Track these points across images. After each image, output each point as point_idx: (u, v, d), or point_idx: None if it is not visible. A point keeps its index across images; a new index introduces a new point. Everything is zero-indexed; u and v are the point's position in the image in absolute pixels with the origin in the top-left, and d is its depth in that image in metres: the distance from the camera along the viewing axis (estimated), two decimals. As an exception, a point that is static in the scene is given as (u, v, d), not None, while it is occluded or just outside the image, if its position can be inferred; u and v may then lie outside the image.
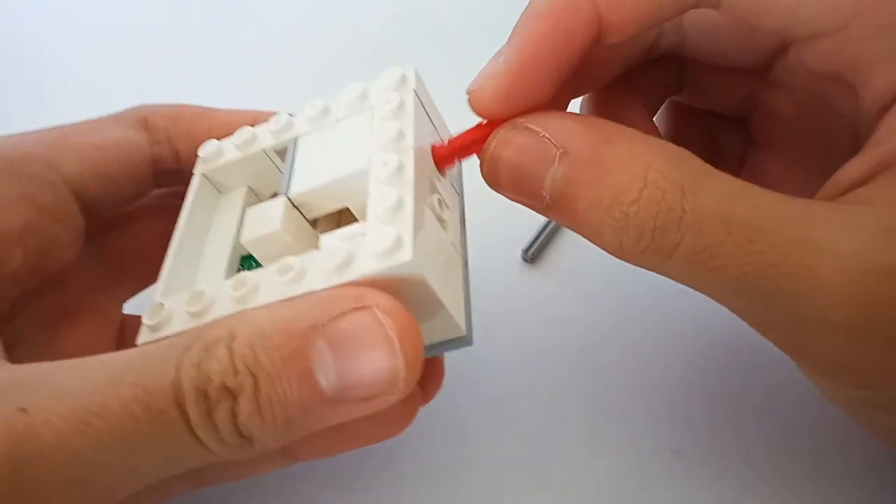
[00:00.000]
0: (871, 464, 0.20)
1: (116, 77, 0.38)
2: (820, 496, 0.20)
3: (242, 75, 0.36)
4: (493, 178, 0.16)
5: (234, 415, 0.13)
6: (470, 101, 0.16)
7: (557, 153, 0.15)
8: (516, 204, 0.16)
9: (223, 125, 0.21)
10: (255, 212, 0.17)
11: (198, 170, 0.20)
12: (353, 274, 0.14)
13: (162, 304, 0.16)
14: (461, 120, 0.17)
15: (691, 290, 0.22)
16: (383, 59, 0.34)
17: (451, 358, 0.23)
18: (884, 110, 0.16)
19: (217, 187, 0.20)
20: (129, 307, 0.22)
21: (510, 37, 0.16)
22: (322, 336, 0.13)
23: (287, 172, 0.18)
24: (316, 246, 0.17)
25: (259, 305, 0.15)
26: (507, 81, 0.15)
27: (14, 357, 0.16)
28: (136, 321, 0.21)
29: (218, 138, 0.20)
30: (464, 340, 0.16)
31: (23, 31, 0.43)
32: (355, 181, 0.17)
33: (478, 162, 0.17)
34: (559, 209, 0.15)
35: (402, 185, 0.15)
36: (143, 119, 0.21)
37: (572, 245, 0.26)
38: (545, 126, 0.15)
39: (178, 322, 0.15)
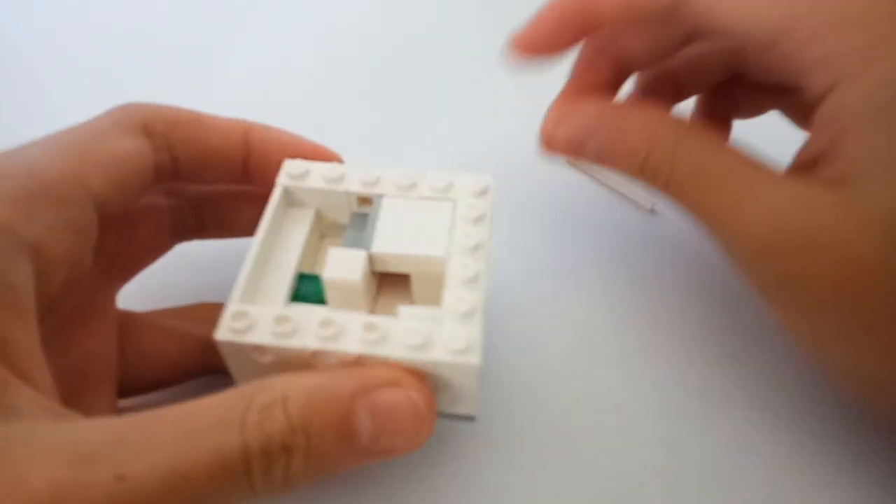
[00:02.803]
0: (862, 456, 0.22)
1: (100, 74, 0.36)
2: (811, 488, 0.21)
3: (232, 79, 0.37)
4: (551, 143, 0.24)
5: (287, 468, 0.16)
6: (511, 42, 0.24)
7: (593, 131, 0.23)
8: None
9: (220, 133, 0.22)
10: (338, 255, 0.20)
11: (280, 181, 0.22)
12: (428, 357, 0.18)
13: (246, 311, 0.18)
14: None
15: (682, 286, 0.27)
16: (380, 73, 0.37)
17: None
18: (817, 104, 0.20)
19: (288, 200, 0.22)
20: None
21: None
22: (363, 404, 0.17)
23: (370, 227, 0.21)
24: (391, 310, 0.20)
25: (337, 351, 0.18)
26: (531, 35, 0.24)
27: None
28: (124, 316, 0.22)
29: (216, 145, 0.22)
30: (471, 418, 0.20)
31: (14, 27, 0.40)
32: (429, 263, 0.20)
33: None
34: (601, 161, 0.23)
35: (475, 291, 0.19)
36: (144, 125, 0.21)
37: (570, 245, 0.29)
38: (583, 111, 0.24)
39: (261, 335, 0.18)
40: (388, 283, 0.22)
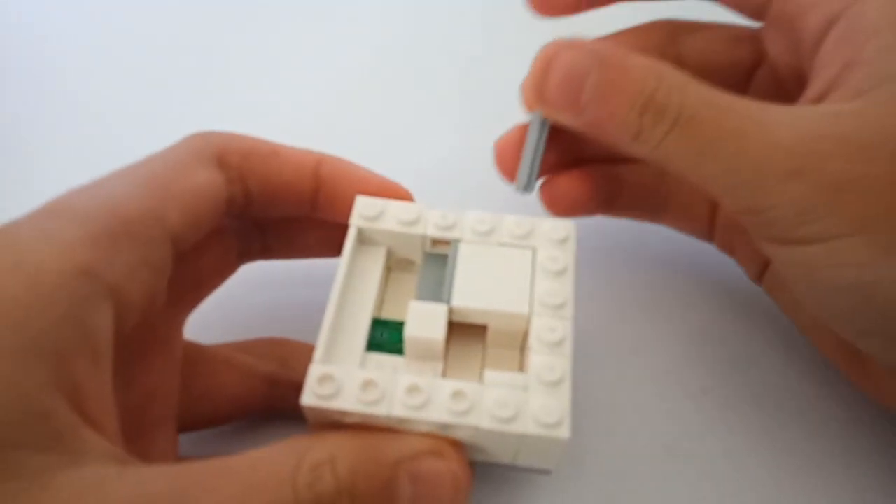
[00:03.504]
0: (863, 458, 0.22)
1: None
2: (810, 491, 0.21)
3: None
4: (542, 87, 0.20)
5: None
6: None
7: (594, 64, 0.19)
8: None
9: (292, 166, 0.22)
10: (418, 310, 0.20)
11: (354, 222, 0.21)
12: (518, 430, 0.17)
13: (331, 374, 0.18)
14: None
15: (683, 287, 0.26)
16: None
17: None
18: (816, 48, 0.20)
19: (360, 238, 0.22)
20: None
21: None
22: (405, 470, 0.17)
23: (448, 278, 0.20)
24: (465, 357, 0.20)
25: (424, 420, 0.18)
26: None
27: None
28: (188, 346, 0.22)
29: (288, 179, 0.21)
30: (548, 472, 0.20)
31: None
32: (511, 319, 0.20)
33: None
34: (595, 107, 0.20)
35: (562, 357, 0.19)
36: (219, 155, 0.21)
37: None
38: (582, 45, 0.20)
39: (347, 402, 0.18)
40: (459, 325, 0.22)
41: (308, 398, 0.18)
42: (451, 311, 0.20)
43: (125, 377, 0.19)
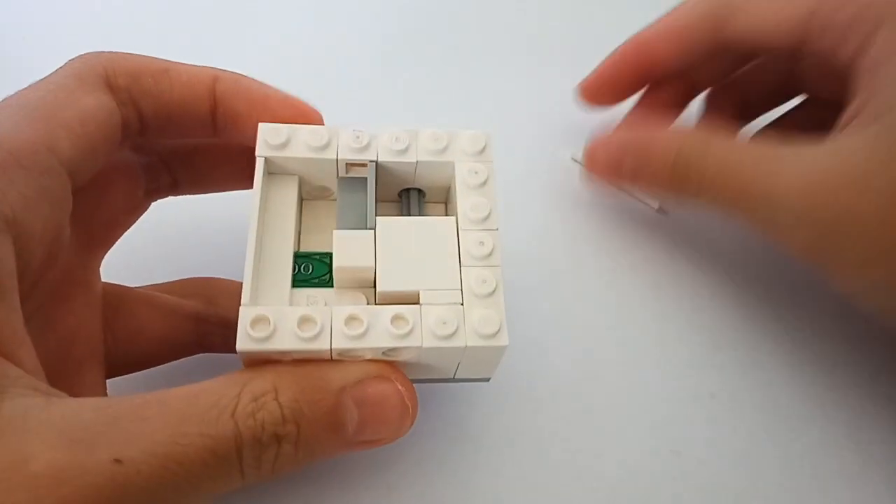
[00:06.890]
0: (868, 464, 0.22)
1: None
2: (817, 495, 0.21)
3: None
4: (591, 169, 0.27)
5: (276, 456, 0.16)
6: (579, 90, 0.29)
7: (625, 153, 0.26)
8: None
9: (184, 84, 0.20)
10: (345, 238, 0.19)
11: (261, 152, 0.20)
12: (460, 344, 0.18)
13: (264, 316, 0.17)
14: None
15: (691, 289, 0.26)
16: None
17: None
18: (854, 72, 0.22)
19: (270, 169, 0.20)
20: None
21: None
22: (350, 395, 0.17)
23: (370, 203, 0.20)
24: (415, 298, 0.19)
25: (367, 347, 0.18)
26: (596, 84, 0.29)
27: None
28: (110, 288, 0.21)
29: (180, 98, 0.20)
30: (486, 380, 0.21)
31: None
32: (444, 295, 0.19)
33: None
34: (633, 181, 0.26)
35: (494, 267, 0.19)
36: (105, 77, 0.19)
37: (577, 246, 0.28)
38: (618, 133, 0.27)
39: (286, 341, 0.17)
40: None
41: (243, 343, 0.17)
42: (377, 296, 0.19)
43: (44, 319, 0.19)
